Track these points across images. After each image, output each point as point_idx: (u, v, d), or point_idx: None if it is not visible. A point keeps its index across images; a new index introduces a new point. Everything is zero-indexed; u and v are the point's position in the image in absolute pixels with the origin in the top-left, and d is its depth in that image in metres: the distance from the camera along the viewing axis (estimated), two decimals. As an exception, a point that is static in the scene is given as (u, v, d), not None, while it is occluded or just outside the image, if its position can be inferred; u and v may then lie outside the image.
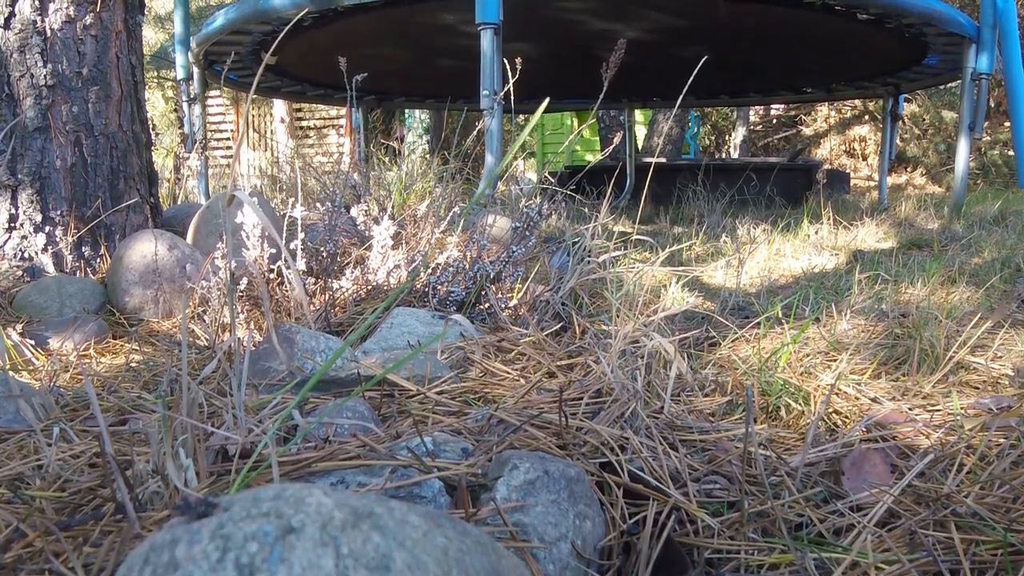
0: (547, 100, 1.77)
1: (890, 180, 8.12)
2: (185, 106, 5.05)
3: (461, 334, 1.49)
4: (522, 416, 0.99)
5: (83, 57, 2.31)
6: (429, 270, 1.86)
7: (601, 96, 1.81)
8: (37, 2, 2.24)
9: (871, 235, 3.95)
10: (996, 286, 2.41)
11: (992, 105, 9.62)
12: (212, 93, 10.40)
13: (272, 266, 1.76)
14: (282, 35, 4.08)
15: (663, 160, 7.96)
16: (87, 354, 1.71)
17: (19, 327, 1.78)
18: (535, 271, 2.00)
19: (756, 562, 0.77)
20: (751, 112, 12.77)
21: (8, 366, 1.51)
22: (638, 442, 0.94)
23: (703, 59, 1.77)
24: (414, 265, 1.88)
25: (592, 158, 11.50)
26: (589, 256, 1.87)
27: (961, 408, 1.23)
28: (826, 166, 9.41)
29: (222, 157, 10.66)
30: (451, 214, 2.15)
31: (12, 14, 2.22)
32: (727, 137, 13.54)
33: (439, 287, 1.82)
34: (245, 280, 1.78)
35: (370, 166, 3.75)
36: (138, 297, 2.08)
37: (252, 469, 0.76)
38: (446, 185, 3.06)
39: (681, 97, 1.79)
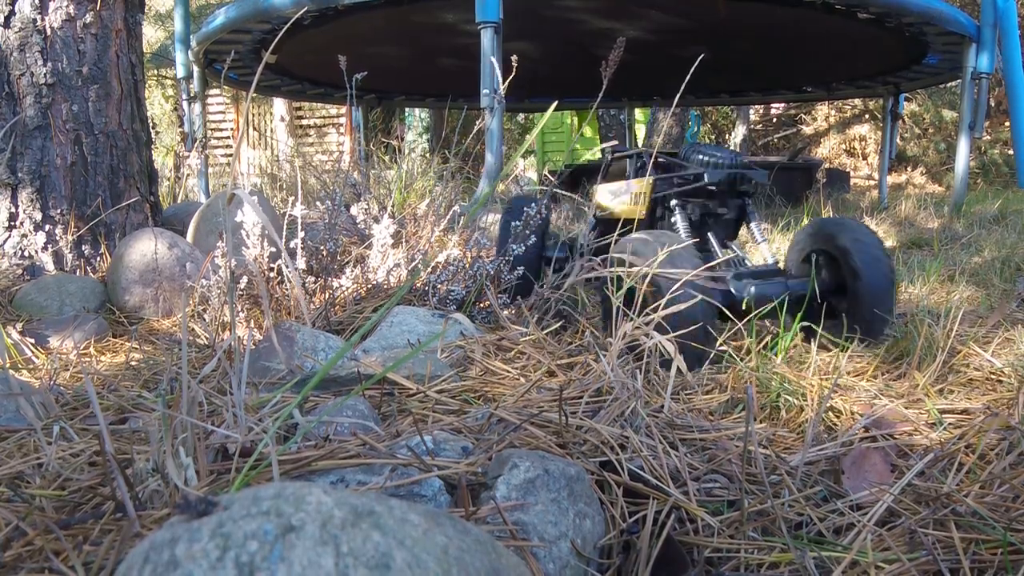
0: (553, 103, 1.76)
1: (890, 179, 8.13)
2: (185, 105, 5.05)
3: (461, 333, 1.49)
4: (522, 415, 0.99)
5: (83, 56, 2.31)
6: (429, 269, 1.86)
7: (601, 95, 1.80)
8: (37, 1, 2.23)
9: (871, 234, 3.94)
10: (996, 285, 2.41)
11: (992, 104, 9.61)
12: (212, 92, 10.39)
13: (272, 265, 1.76)
14: (282, 33, 4.08)
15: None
16: (87, 352, 1.71)
17: (19, 325, 1.78)
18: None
19: (756, 561, 0.77)
20: (751, 111, 12.77)
21: (8, 364, 1.51)
22: (638, 441, 0.94)
23: (700, 58, 1.75)
24: (414, 264, 1.88)
25: (592, 157, 11.49)
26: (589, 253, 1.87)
27: (956, 414, 1.23)
28: (826, 165, 9.41)
29: (222, 156, 10.66)
30: (451, 213, 2.15)
31: (12, 12, 2.22)
32: (727, 136, 13.54)
33: (439, 286, 1.82)
34: (245, 279, 1.78)
35: (370, 165, 3.75)
36: (138, 295, 2.08)
37: (252, 468, 0.76)
38: (446, 184, 3.06)
39: (679, 96, 1.77)
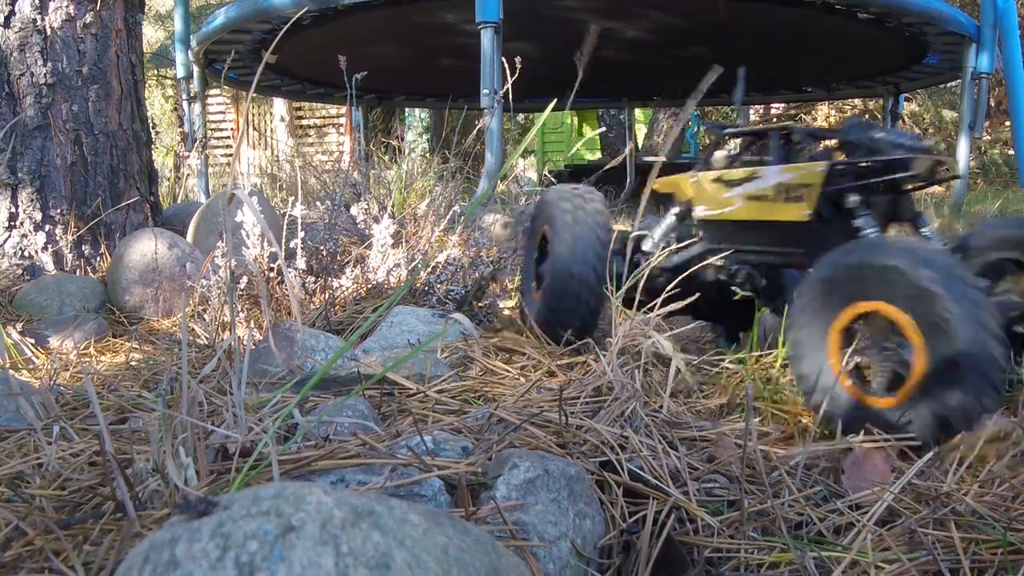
0: (551, 102, 1.74)
1: (890, 179, 8.10)
2: (185, 105, 5.05)
3: (461, 333, 1.49)
4: (522, 415, 0.99)
5: (83, 56, 2.31)
6: (429, 269, 1.86)
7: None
8: (37, 1, 2.23)
9: (871, 234, 3.94)
10: (996, 285, 2.41)
11: (992, 104, 9.61)
12: (212, 92, 10.38)
13: (272, 265, 1.76)
14: (282, 34, 4.08)
15: (663, 159, 7.95)
16: (87, 352, 1.71)
17: (19, 326, 1.78)
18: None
19: (756, 561, 0.77)
20: (751, 111, 12.77)
21: (8, 364, 1.51)
22: (638, 441, 0.94)
23: (706, 61, 1.68)
24: (414, 264, 1.88)
25: (592, 157, 11.50)
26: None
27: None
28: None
29: (222, 156, 10.66)
30: (451, 213, 2.15)
31: (12, 12, 2.22)
32: (727, 136, 13.52)
33: (439, 286, 1.82)
34: (245, 279, 1.78)
35: (370, 165, 3.75)
36: (138, 295, 2.08)
37: (252, 468, 0.76)
38: (446, 184, 3.06)
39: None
